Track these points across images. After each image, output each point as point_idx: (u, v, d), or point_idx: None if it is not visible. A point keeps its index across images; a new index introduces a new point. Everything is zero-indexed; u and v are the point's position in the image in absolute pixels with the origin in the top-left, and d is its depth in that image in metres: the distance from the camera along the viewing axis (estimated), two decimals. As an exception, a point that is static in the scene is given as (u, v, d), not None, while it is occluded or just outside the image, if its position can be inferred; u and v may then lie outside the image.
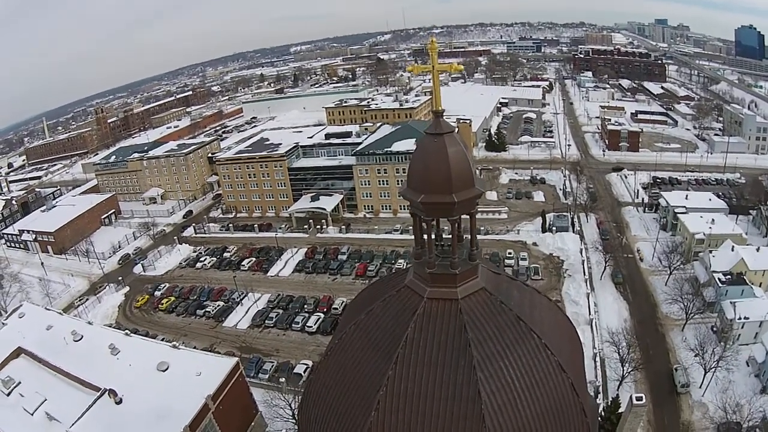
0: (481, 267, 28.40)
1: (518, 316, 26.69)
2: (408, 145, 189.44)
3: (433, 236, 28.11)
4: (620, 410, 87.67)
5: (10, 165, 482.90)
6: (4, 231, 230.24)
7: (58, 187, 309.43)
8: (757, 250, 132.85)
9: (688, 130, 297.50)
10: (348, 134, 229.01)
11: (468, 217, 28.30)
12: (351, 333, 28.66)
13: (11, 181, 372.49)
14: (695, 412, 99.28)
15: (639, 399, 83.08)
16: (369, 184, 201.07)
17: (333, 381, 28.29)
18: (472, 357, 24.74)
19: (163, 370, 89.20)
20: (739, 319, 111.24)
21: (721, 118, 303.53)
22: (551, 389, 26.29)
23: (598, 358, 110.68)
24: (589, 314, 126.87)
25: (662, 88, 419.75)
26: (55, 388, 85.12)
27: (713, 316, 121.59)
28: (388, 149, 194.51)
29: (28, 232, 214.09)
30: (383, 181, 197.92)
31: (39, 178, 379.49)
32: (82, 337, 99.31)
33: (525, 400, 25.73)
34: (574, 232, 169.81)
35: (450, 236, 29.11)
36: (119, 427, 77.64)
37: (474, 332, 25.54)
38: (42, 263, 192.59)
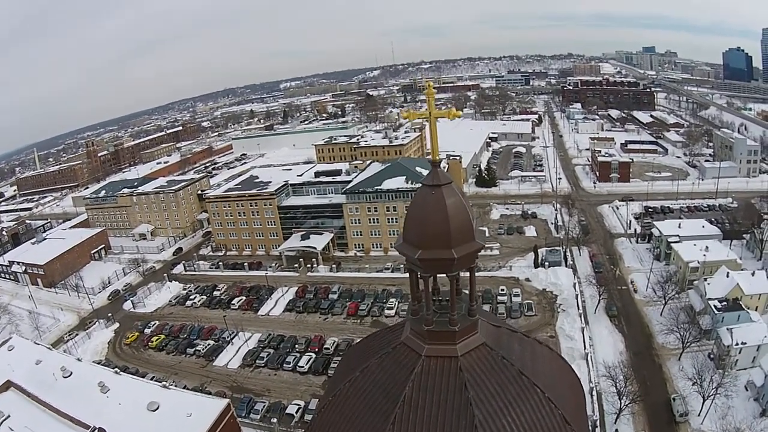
0: (481, 321, 27.35)
1: (520, 370, 25.54)
2: (398, 182, 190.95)
3: (430, 290, 26.95)
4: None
5: (1, 195, 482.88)
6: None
7: (48, 220, 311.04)
8: (752, 274, 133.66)
9: (678, 157, 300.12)
10: (338, 172, 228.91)
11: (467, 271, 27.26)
12: (345, 391, 27.28)
13: (1, 211, 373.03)
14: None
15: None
16: (359, 223, 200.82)
17: (327, 442, 27.08)
18: (474, 416, 23.55)
19: (153, 410, 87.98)
20: (737, 344, 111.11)
21: (711, 144, 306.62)
22: (555, 444, 25.22)
23: (594, 393, 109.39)
24: (585, 349, 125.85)
25: (651, 116, 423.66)
26: (45, 424, 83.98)
27: (710, 344, 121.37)
28: (378, 187, 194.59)
29: (18, 263, 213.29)
30: (374, 219, 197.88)
31: (30, 209, 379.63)
32: (72, 373, 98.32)
33: (529, 457, 24.56)
34: (566, 266, 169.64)
35: (444, 287, 28.19)
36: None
37: (475, 390, 24.35)
38: (31, 296, 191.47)
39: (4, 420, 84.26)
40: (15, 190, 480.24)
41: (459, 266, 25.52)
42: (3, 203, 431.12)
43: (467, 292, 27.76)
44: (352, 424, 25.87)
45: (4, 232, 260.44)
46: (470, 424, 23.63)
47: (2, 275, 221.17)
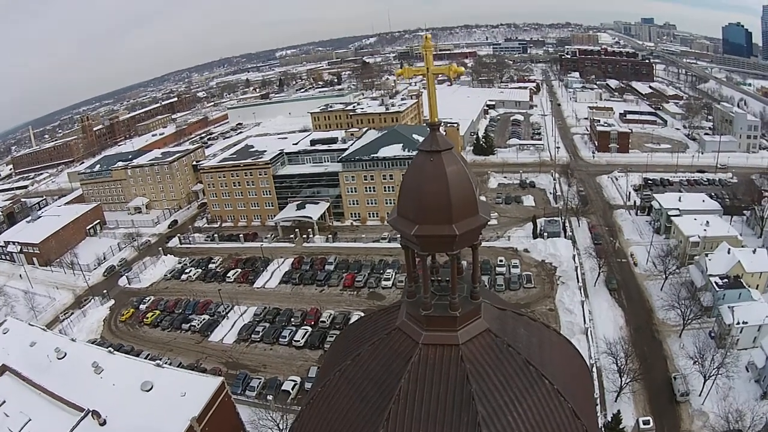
0: (484, 304, 24.91)
1: (527, 359, 23.13)
2: (395, 150, 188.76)
3: (428, 270, 24.48)
4: (621, 426, 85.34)
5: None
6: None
7: (44, 197, 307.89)
8: (754, 251, 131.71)
9: (677, 129, 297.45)
10: (334, 140, 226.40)
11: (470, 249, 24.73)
12: (335, 381, 24.81)
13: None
14: (695, 422, 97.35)
15: (646, 423, 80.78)
16: (355, 192, 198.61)
17: (317, 437, 24.78)
18: (477, 412, 21.23)
19: (147, 390, 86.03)
20: (738, 323, 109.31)
21: (710, 117, 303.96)
22: (565, 440, 23.02)
23: (594, 369, 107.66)
24: (585, 323, 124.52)
25: (650, 87, 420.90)
26: (40, 408, 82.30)
27: (711, 321, 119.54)
28: (375, 155, 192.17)
29: (14, 243, 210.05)
30: (370, 188, 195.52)
31: (25, 187, 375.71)
32: (66, 354, 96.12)
33: (537, 456, 22.38)
34: (566, 237, 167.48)
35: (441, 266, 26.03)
36: (103, 449, 75.04)
37: (478, 383, 21.99)
38: (24, 275, 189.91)
39: (0, 406, 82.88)
40: (11, 169, 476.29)
41: (461, 244, 22.95)
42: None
43: (471, 272, 25.33)
44: (343, 418, 23.58)
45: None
46: (473, 422, 21.37)
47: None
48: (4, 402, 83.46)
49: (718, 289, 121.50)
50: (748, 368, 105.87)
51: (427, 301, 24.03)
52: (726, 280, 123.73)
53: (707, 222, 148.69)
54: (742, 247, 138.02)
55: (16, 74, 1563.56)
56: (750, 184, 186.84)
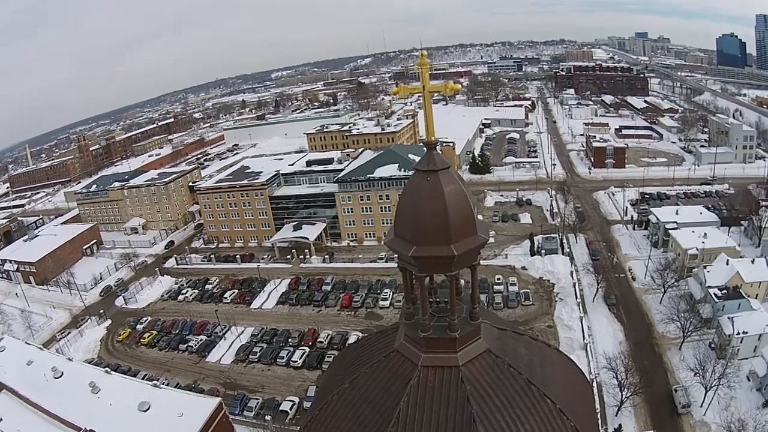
0: (484, 324, 24.49)
1: (529, 380, 22.75)
2: (391, 170, 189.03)
3: (426, 292, 24.04)
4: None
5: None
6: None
7: (41, 216, 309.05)
8: (752, 261, 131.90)
9: (673, 143, 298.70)
10: (329, 161, 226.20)
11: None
12: (333, 404, 24.32)
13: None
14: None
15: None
16: (352, 212, 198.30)
17: (313, 463, 24.31)
18: (478, 434, 21.00)
19: (144, 411, 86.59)
20: (738, 333, 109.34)
21: (706, 129, 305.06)
22: (568, 459, 22.60)
23: (594, 384, 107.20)
24: (584, 339, 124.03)
25: (645, 101, 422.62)
26: (37, 427, 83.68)
27: (710, 333, 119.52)
28: (371, 175, 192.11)
29: (10, 261, 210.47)
30: (366, 208, 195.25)
31: (22, 206, 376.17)
32: (63, 373, 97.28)
33: (540, 477, 21.97)
34: (563, 254, 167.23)
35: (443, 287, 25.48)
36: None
37: (479, 404, 21.58)
38: (21, 294, 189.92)
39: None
40: (8, 188, 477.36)
41: (460, 264, 22.52)
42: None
43: (470, 292, 24.94)
44: (341, 443, 23.22)
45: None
46: (475, 443, 21.03)
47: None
48: (1, 420, 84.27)
49: (717, 300, 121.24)
50: (749, 377, 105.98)
51: (425, 323, 23.58)
52: (725, 291, 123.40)
53: (705, 234, 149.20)
54: (741, 257, 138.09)
55: (13, 93, 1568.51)
56: (747, 195, 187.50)
